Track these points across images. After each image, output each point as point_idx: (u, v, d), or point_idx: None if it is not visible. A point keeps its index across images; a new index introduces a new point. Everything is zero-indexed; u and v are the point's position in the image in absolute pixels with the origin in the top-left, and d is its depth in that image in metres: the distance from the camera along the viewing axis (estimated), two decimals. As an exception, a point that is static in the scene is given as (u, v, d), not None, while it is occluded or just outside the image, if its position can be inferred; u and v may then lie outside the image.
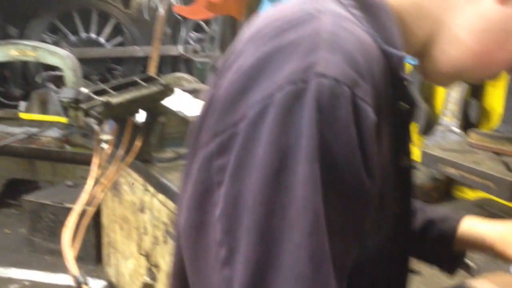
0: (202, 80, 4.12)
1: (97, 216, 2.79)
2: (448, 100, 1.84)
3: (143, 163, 2.23)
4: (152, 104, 2.16)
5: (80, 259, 2.09)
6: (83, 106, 1.92)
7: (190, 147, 0.68)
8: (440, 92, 1.90)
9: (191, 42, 6.21)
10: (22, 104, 4.37)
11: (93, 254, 3.21)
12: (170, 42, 6.28)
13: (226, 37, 2.95)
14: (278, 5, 0.67)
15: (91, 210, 2.13)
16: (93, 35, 6.24)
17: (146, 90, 2.10)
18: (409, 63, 0.75)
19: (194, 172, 0.62)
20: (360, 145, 0.55)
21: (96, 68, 6.18)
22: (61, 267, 3.24)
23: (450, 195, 1.84)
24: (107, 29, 6.30)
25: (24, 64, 5.70)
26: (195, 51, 4.91)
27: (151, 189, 2.23)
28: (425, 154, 1.49)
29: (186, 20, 5.87)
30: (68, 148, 3.86)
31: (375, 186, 0.59)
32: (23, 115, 4.18)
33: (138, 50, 6.32)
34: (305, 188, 0.54)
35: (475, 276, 1.10)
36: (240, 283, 0.54)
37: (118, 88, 2.08)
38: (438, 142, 1.73)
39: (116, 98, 2.01)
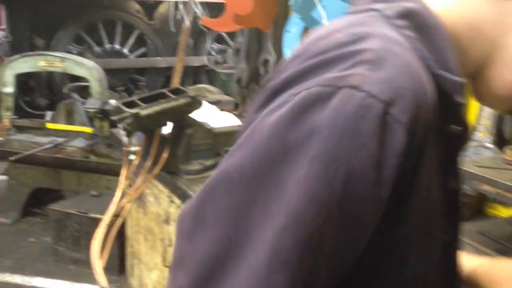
0: (226, 91, 4.14)
1: (121, 226, 2.80)
2: (481, 115, 1.82)
3: (170, 175, 2.23)
4: (180, 116, 2.17)
5: (103, 269, 2.10)
6: (113, 117, 1.93)
7: None
8: (474, 107, 1.87)
9: (213, 53, 6.25)
10: (49, 114, 4.45)
11: (116, 264, 3.21)
12: (192, 53, 6.34)
13: (251, 50, 2.96)
14: (327, 26, 0.66)
15: (119, 221, 2.14)
16: (117, 46, 6.33)
17: (175, 102, 2.11)
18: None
19: None
20: (378, 163, 0.53)
21: (119, 79, 6.26)
22: (84, 277, 3.27)
23: (482, 212, 1.80)
24: (131, 40, 6.39)
25: (50, 74, 5.80)
26: (217, 62, 4.94)
27: (177, 200, 2.23)
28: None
29: (210, 31, 5.91)
30: (93, 158, 3.90)
31: (385, 210, 0.55)
32: (50, 125, 4.24)
33: (160, 61, 6.39)
34: (295, 189, 0.51)
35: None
36: (197, 261, 0.54)
37: (147, 100, 2.10)
38: (471, 158, 1.70)
39: (146, 110, 2.02)
